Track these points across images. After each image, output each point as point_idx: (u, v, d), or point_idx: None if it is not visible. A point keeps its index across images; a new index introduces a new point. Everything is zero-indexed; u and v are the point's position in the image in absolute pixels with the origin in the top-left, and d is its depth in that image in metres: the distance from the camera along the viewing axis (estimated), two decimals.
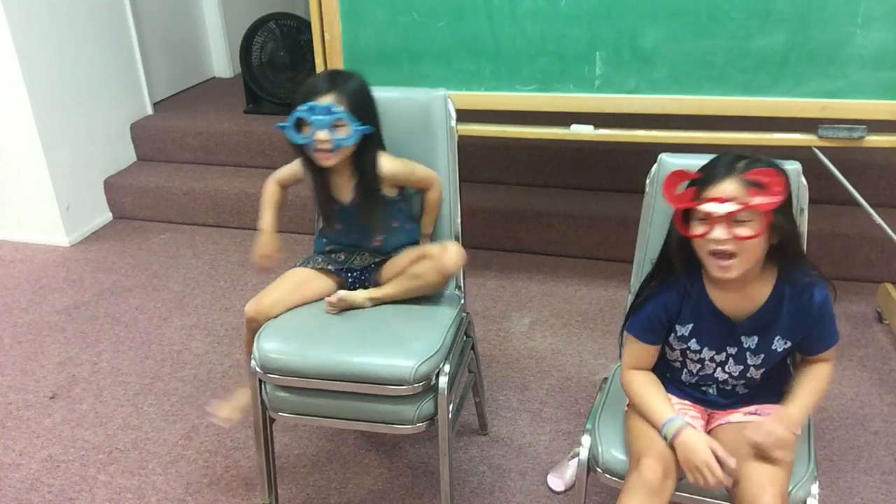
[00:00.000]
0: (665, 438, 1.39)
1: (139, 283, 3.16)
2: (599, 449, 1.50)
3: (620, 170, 3.28)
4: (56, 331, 2.84)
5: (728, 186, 1.33)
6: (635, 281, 1.77)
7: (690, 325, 1.47)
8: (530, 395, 2.40)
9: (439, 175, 1.96)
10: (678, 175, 1.39)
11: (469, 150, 3.30)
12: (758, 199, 1.31)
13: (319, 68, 2.55)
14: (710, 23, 2.25)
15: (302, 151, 1.84)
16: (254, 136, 3.76)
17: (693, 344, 1.48)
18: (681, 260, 1.44)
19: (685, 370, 1.54)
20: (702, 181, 1.37)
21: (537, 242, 3.24)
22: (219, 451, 2.22)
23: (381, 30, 2.47)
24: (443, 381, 1.71)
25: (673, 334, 1.50)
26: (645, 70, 2.33)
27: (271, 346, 1.76)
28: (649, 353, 1.52)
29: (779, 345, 1.46)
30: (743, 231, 1.32)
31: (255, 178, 3.67)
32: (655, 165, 1.73)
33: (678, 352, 1.52)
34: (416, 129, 1.97)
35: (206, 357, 2.65)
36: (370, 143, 1.83)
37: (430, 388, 1.71)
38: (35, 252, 3.46)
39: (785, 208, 1.37)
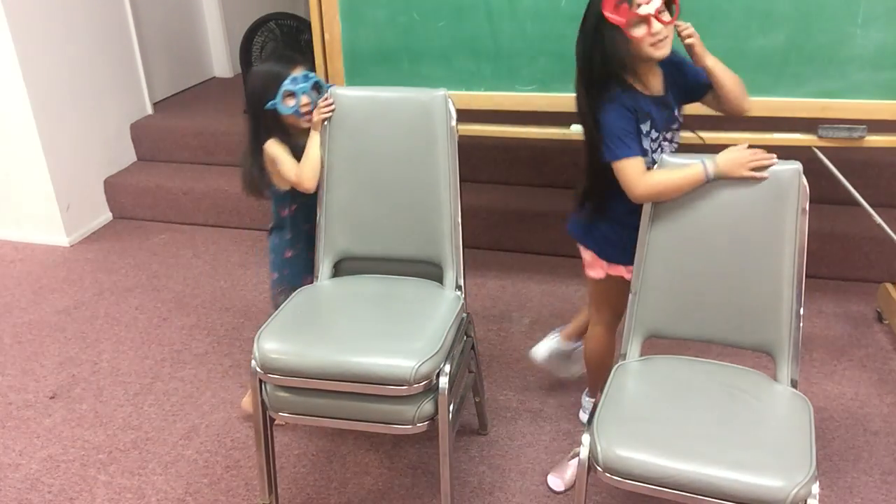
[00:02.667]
0: (711, 176, 1.69)
1: (139, 283, 3.16)
2: (599, 448, 1.50)
3: None
4: (56, 331, 2.84)
5: None
6: (635, 281, 1.77)
7: (648, 121, 1.78)
8: (530, 395, 2.39)
9: (438, 175, 1.97)
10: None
11: (469, 150, 3.29)
12: None
13: (319, 69, 2.55)
14: (710, 23, 2.25)
15: (277, 131, 2.05)
16: None
17: (653, 133, 1.80)
18: (623, 68, 1.74)
19: (653, 163, 1.79)
20: None
21: (537, 242, 3.24)
22: (219, 451, 2.22)
23: (381, 30, 2.47)
24: (443, 381, 1.72)
25: (644, 137, 1.78)
26: None
27: (271, 346, 1.76)
28: (644, 162, 1.75)
29: (680, 95, 1.86)
30: (667, 17, 1.70)
31: None
32: (656, 166, 1.73)
33: (648, 151, 1.80)
34: (416, 129, 1.98)
35: (206, 357, 2.65)
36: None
37: (431, 389, 1.71)
38: (35, 252, 3.46)
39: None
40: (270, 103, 2.00)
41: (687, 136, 2.39)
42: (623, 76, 1.74)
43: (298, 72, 2.02)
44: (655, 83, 1.80)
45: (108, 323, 2.88)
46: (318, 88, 2.04)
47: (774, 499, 1.39)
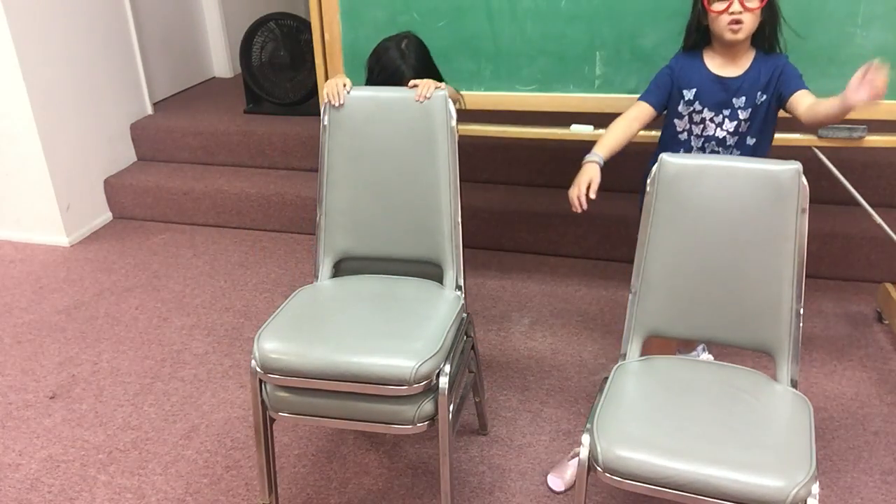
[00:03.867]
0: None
1: (139, 283, 3.16)
2: (599, 448, 1.51)
3: (620, 170, 3.26)
4: (56, 331, 2.84)
5: None
6: (635, 281, 1.78)
7: (694, 90, 1.95)
8: (530, 395, 2.40)
9: (438, 175, 1.97)
10: None
11: (469, 150, 3.30)
12: None
13: (319, 69, 2.55)
14: None
15: None
16: (254, 136, 3.77)
17: (697, 105, 1.96)
18: (695, 35, 1.97)
19: (692, 136, 1.99)
20: None
21: (537, 242, 3.24)
22: (219, 451, 2.22)
23: (381, 30, 2.46)
24: (443, 381, 1.71)
25: (682, 101, 1.97)
26: (645, 70, 2.33)
27: (271, 346, 1.76)
28: (645, 112, 2.01)
29: (760, 98, 1.93)
30: (751, 3, 1.83)
31: (255, 178, 3.67)
32: (656, 165, 1.73)
33: (686, 118, 1.98)
34: (416, 129, 1.98)
35: (206, 357, 2.65)
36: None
37: (431, 389, 1.71)
38: (35, 252, 3.46)
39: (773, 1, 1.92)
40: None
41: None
42: (701, 46, 1.96)
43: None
44: (731, 66, 1.93)
45: (108, 323, 2.88)
46: None
47: (774, 499, 1.39)
